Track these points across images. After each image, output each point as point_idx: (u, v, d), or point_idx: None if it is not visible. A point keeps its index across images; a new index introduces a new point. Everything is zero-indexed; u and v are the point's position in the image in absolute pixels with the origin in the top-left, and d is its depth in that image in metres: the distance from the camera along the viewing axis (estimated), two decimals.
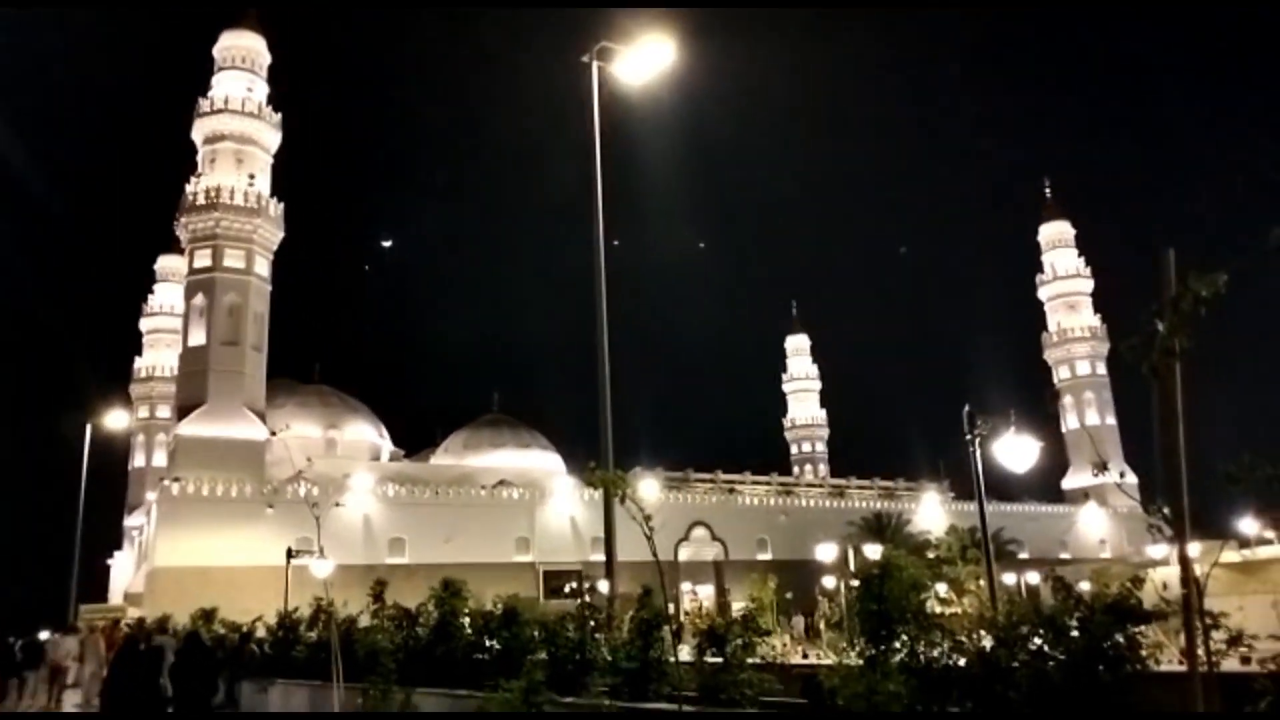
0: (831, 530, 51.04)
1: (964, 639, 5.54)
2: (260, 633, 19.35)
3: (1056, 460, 76.36)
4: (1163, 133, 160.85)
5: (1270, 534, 38.63)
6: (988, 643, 5.41)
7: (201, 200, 53.34)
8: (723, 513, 61.50)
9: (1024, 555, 60.27)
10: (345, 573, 23.03)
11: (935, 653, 5.52)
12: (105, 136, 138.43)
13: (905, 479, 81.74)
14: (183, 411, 51.08)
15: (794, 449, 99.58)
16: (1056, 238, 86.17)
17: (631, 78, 12.36)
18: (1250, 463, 3.54)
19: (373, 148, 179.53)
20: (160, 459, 64.29)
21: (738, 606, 8.43)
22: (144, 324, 76.97)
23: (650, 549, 6.04)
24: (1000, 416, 14.23)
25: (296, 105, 79.64)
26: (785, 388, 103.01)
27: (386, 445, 69.56)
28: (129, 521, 67.00)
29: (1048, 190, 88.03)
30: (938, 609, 6.23)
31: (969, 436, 14.60)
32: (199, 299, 52.81)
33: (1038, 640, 5.15)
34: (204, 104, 56.00)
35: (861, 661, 5.64)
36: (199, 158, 55.89)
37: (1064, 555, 66.99)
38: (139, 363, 75.36)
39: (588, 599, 10.21)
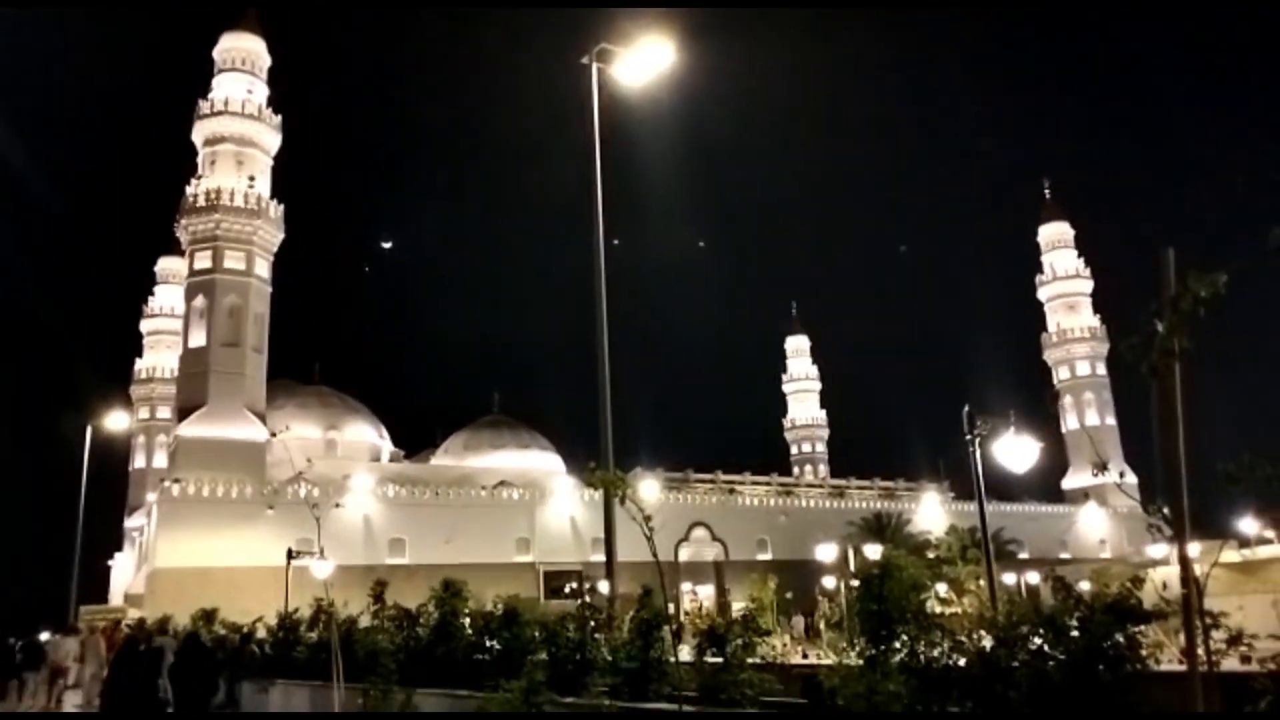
0: (831, 530, 51.06)
1: (964, 639, 5.55)
2: (261, 633, 19.37)
3: (1056, 460, 76.45)
4: (1163, 133, 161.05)
5: (1270, 534, 38.63)
6: (988, 643, 5.41)
7: (202, 202, 53.38)
8: (723, 513, 61.51)
9: (1024, 555, 60.29)
10: (345, 573, 23.05)
11: (935, 653, 5.52)
12: (105, 137, 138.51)
13: (905, 479, 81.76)
14: (183, 413, 51.11)
15: (794, 449, 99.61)
16: (1056, 238, 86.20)
17: (631, 79, 12.38)
18: (1250, 462, 3.54)
19: (373, 148, 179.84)
20: (161, 460, 64.30)
21: (738, 607, 8.44)
22: (144, 325, 77.03)
23: (650, 549, 6.05)
24: (1000, 417, 14.25)
25: (296, 106, 79.65)
26: (785, 388, 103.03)
27: (386, 446, 69.56)
28: (129, 522, 67.02)
29: (1047, 190, 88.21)
30: (938, 609, 6.24)
31: (969, 436, 14.60)
32: (199, 300, 52.86)
33: (1038, 640, 5.15)
34: (204, 106, 56.04)
35: (861, 661, 5.64)
36: (199, 159, 55.93)
37: (1064, 555, 66.99)
38: (139, 364, 75.39)
39: (588, 599, 10.21)
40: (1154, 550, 32.92)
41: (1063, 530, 72.98)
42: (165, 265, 76.37)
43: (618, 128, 15.74)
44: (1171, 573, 4.84)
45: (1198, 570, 3.70)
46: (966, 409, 14.77)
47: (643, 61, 12.10)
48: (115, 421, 37.45)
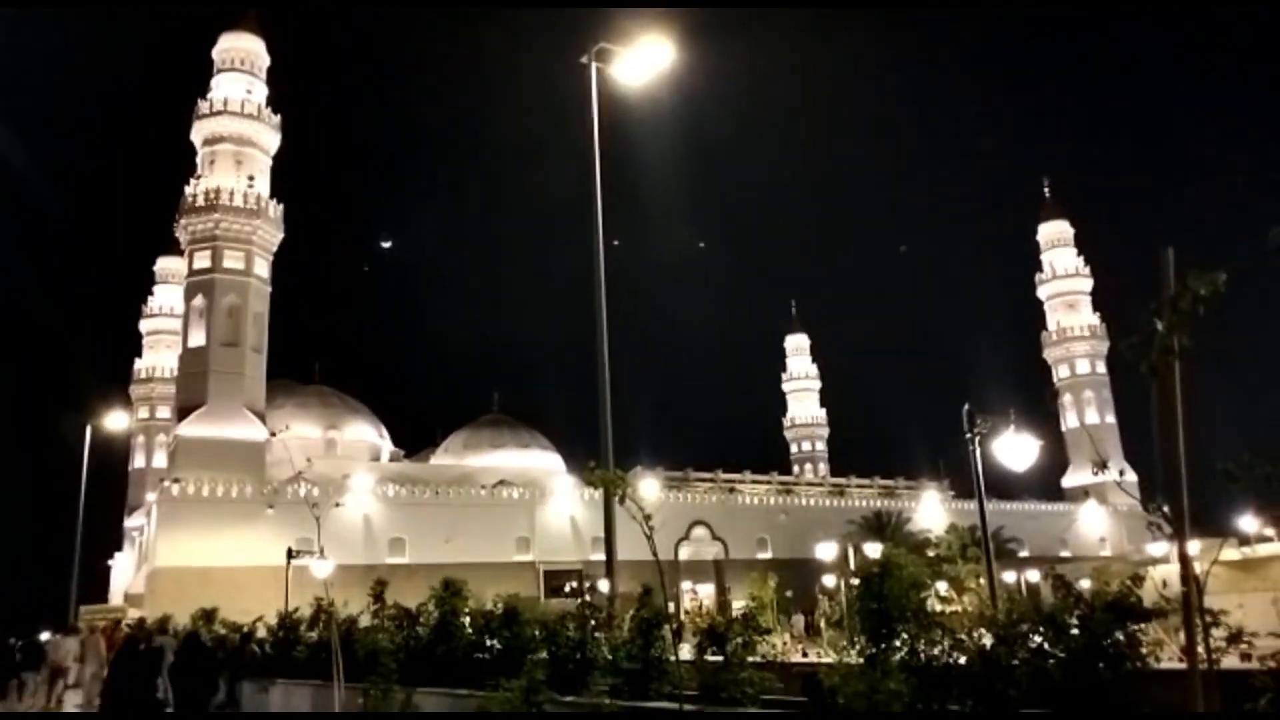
0: (831, 529, 51.05)
1: (964, 637, 5.55)
2: (261, 633, 19.38)
3: (1056, 459, 76.45)
4: (1163, 133, 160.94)
5: (1270, 532, 38.58)
6: (988, 641, 5.42)
7: (201, 202, 53.35)
8: (723, 512, 61.51)
9: (1024, 553, 60.25)
10: (345, 573, 23.05)
11: (935, 651, 5.52)
12: (105, 137, 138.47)
13: (905, 478, 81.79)
14: (183, 412, 51.10)
15: (794, 448, 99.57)
16: (1056, 237, 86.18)
17: (630, 79, 12.39)
18: (1249, 461, 3.54)
19: (373, 148, 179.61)
20: (160, 460, 64.29)
21: (738, 605, 8.46)
22: (144, 325, 77.01)
23: (650, 548, 6.05)
24: (1000, 415, 14.23)
25: (296, 106, 79.51)
26: (785, 387, 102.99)
27: (386, 445, 69.56)
28: (129, 522, 67.01)
29: (1047, 190, 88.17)
30: (938, 607, 6.23)
31: (969, 435, 14.60)
32: (199, 300, 52.84)
33: (1038, 638, 5.16)
34: (203, 106, 56.01)
35: (862, 660, 5.65)
36: (198, 159, 55.90)
37: (1064, 553, 67.01)
38: (139, 364, 75.38)
39: (588, 598, 10.23)
40: (1154, 548, 32.89)
41: (1063, 528, 73.01)
42: (165, 265, 76.33)
43: (617, 128, 15.76)
44: (1171, 571, 4.84)
45: (1198, 568, 3.71)
46: (966, 407, 14.77)
47: (642, 61, 12.10)
48: (115, 421, 37.47)
